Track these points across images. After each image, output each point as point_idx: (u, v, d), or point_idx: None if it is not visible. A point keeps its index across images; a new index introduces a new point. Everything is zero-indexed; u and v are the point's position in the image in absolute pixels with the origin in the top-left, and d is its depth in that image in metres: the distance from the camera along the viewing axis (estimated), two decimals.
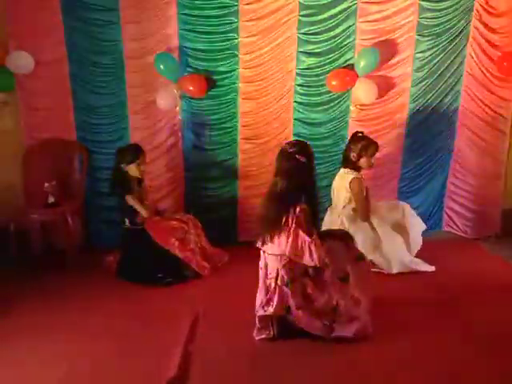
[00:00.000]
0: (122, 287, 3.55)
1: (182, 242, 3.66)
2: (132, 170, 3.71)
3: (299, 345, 2.74)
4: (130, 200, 3.67)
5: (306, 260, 2.66)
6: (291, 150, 2.71)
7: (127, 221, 3.72)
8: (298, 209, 2.64)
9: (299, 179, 2.69)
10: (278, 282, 2.71)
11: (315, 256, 2.64)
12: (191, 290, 3.52)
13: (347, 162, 3.80)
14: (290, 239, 2.65)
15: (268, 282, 2.77)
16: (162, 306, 3.27)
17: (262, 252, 2.83)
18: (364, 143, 3.74)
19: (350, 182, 3.72)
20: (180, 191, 4.35)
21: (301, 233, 2.65)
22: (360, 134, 3.80)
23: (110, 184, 3.78)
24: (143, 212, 3.70)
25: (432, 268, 3.72)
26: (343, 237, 2.94)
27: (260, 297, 2.81)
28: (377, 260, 3.69)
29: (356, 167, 3.78)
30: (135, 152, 3.71)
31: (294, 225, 2.65)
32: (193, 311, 3.14)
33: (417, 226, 3.82)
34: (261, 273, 2.83)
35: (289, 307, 2.71)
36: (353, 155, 3.76)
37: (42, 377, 2.53)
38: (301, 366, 2.58)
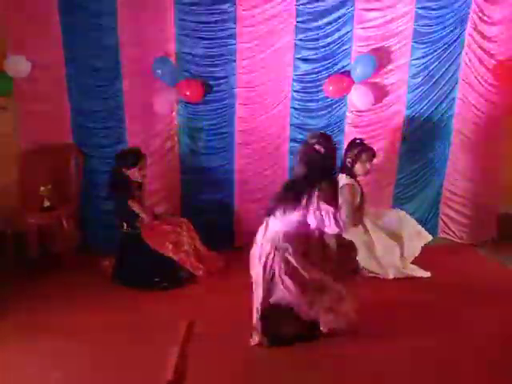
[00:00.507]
0: (118, 290, 3.56)
1: (175, 244, 3.69)
2: (133, 174, 3.72)
3: (296, 347, 2.75)
4: (134, 205, 3.69)
5: (331, 228, 2.68)
6: (312, 141, 2.81)
7: (125, 225, 3.72)
8: (320, 187, 2.67)
9: (317, 167, 2.76)
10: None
11: (341, 223, 2.69)
12: (187, 293, 3.53)
13: (344, 168, 3.82)
14: (314, 212, 2.66)
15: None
16: (158, 309, 3.27)
17: (264, 222, 2.82)
18: (359, 149, 3.77)
19: (341, 188, 3.74)
20: (176, 195, 4.35)
21: (323, 204, 2.66)
22: (358, 141, 3.83)
23: (109, 188, 3.78)
24: (145, 217, 3.72)
25: (427, 274, 3.74)
26: (348, 245, 2.96)
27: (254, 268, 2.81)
28: (372, 265, 3.71)
29: (352, 173, 3.80)
30: (136, 156, 3.73)
31: (316, 199, 2.66)
32: (189, 314, 3.12)
33: (420, 238, 3.81)
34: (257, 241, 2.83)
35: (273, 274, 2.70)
36: (348, 161, 3.78)
37: (39, 377, 2.54)
38: (297, 368, 2.58)
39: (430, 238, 3.86)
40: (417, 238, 3.82)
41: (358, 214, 3.79)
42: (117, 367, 2.61)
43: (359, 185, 3.84)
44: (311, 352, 2.73)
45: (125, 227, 3.72)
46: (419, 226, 3.88)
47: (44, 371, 2.58)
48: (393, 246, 3.72)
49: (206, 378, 2.48)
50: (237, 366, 2.61)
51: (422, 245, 3.82)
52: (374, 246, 3.71)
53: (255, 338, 2.78)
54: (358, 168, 3.79)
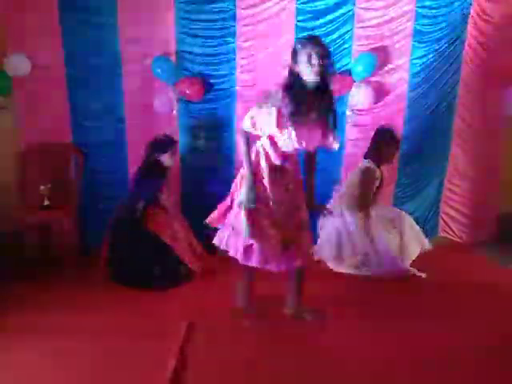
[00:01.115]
0: (118, 290, 3.55)
1: (171, 238, 3.72)
2: (165, 158, 3.79)
3: (296, 348, 2.75)
4: (164, 191, 3.79)
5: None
6: None
7: (140, 209, 3.69)
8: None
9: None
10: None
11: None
12: (187, 293, 3.52)
13: (368, 154, 3.83)
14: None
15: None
16: (158, 309, 3.26)
17: None
18: (384, 136, 3.78)
19: (361, 171, 3.78)
20: (176, 194, 4.34)
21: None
22: (383, 129, 3.83)
23: (143, 173, 3.77)
24: (167, 204, 3.82)
25: (423, 275, 3.71)
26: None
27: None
28: (371, 259, 3.71)
29: (377, 160, 3.80)
30: (169, 141, 3.82)
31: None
32: (189, 314, 3.13)
33: (418, 243, 3.79)
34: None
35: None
36: (374, 148, 3.80)
37: (39, 377, 2.52)
38: (297, 368, 2.58)
39: (427, 245, 3.82)
40: (415, 242, 3.79)
41: (368, 199, 3.79)
42: (117, 367, 2.60)
43: (381, 172, 3.83)
44: (312, 352, 2.72)
45: (139, 210, 3.69)
46: (419, 231, 3.85)
47: (44, 371, 2.57)
48: (391, 238, 3.72)
49: (206, 377, 2.49)
50: (237, 366, 2.61)
51: (419, 251, 3.78)
52: (374, 238, 3.72)
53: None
54: (385, 156, 3.80)
